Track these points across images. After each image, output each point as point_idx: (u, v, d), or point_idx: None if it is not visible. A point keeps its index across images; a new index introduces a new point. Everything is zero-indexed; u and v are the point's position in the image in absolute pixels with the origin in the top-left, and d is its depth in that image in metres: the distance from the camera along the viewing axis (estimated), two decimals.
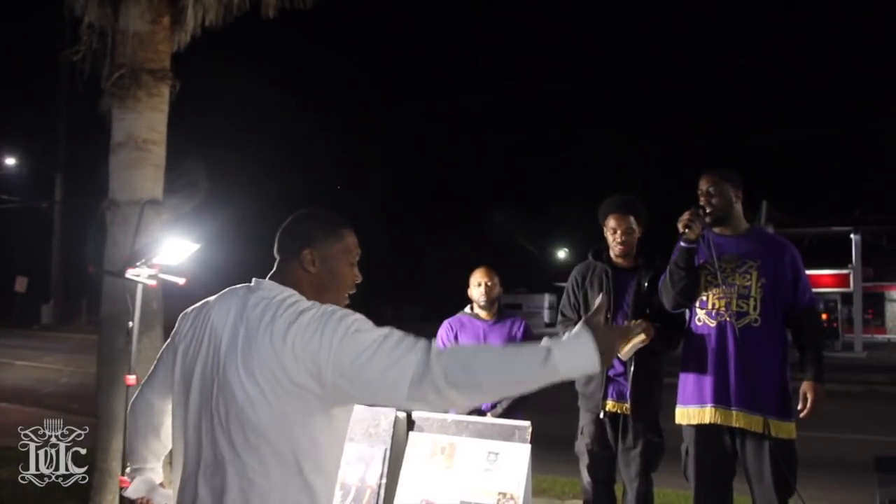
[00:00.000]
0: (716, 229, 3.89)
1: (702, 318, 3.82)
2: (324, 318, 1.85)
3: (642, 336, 3.93)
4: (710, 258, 3.81)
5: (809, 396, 3.64)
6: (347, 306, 2.00)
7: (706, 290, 3.82)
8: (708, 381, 3.71)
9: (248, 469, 1.83)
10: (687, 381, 3.83)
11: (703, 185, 3.86)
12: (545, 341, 1.85)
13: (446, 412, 3.18)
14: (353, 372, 1.79)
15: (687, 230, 3.72)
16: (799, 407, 3.66)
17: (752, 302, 3.72)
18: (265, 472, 1.84)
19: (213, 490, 1.86)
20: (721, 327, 3.73)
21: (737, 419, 3.63)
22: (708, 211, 3.81)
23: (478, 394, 1.85)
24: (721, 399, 3.67)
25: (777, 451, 3.57)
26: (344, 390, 1.83)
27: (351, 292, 2.15)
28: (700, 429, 3.73)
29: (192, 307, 2.10)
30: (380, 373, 1.79)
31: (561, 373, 1.81)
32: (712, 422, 3.67)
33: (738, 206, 3.89)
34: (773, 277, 3.74)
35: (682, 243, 3.76)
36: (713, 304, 3.78)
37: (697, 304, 3.84)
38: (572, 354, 1.82)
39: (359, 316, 1.90)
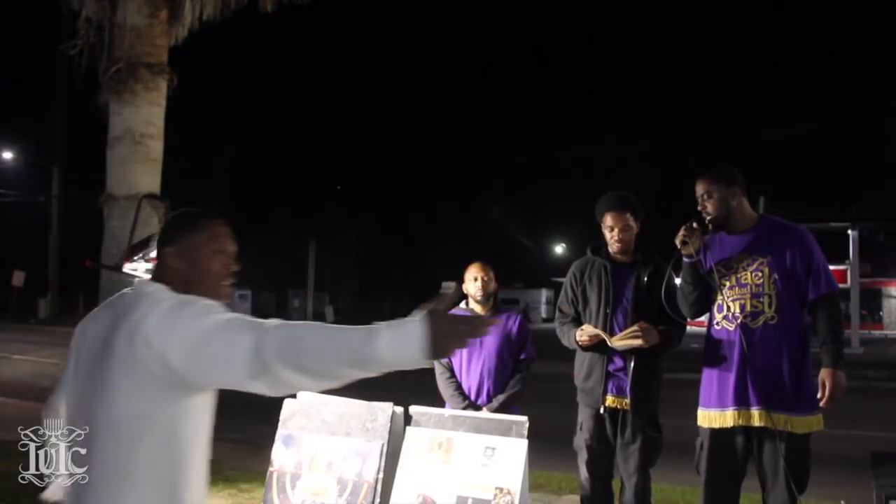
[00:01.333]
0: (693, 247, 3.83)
1: (720, 322, 3.78)
2: (174, 307, 1.84)
3: (639, 342, 3.95)
4: (726, 259, 3.77)
5: (827, 384, 3.57)
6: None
7: (721, 294, 3.77)
8: (729, 384, 3.68)
9: (107, 473, 1.80)
10: (709, 384, 3.79)
11: (697, 190, 3.84)
12: (382, 324, 1.73)
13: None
14: (195, 354, 1.77)
15: (684, 247, 3.72)
16: (819, 395, 3.59)
17: (766, 300, 3.67)
18: (126, 475, 1.80)
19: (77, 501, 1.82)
20: (739, 329, 3.68)
21: (757, 418, 3.60)
22: (707, 218, 3.79)
23: (307, 377, 1.74)
24: (742, 401, 3.63)
25: (793, 448, 3.57)
26: (190, 375, 1.79)
27: (226, 282, 2.12)
28: (719, 428, 3.72)
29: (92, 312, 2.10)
30: (218, 354, 1.75)
31: (383, 359, 1.69)
32: (734, 425, 3.64)
33: (738, 202, 3.82)
34: (785, 270, 3.68)
35: (684, 259, 3.75)
36: (728, 307, 3.73)
37: (715, 309, 3.81)
38: (398, 341, 1.68)
39: (208, 302, 1.88)
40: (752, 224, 3.85)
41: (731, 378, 3.67)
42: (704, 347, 3.88)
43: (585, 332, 4.11)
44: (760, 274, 3.70)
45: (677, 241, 3.74)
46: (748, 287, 3.71)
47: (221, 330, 1.76)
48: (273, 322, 1.77)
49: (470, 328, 1.75)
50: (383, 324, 1.71)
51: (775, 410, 3.58)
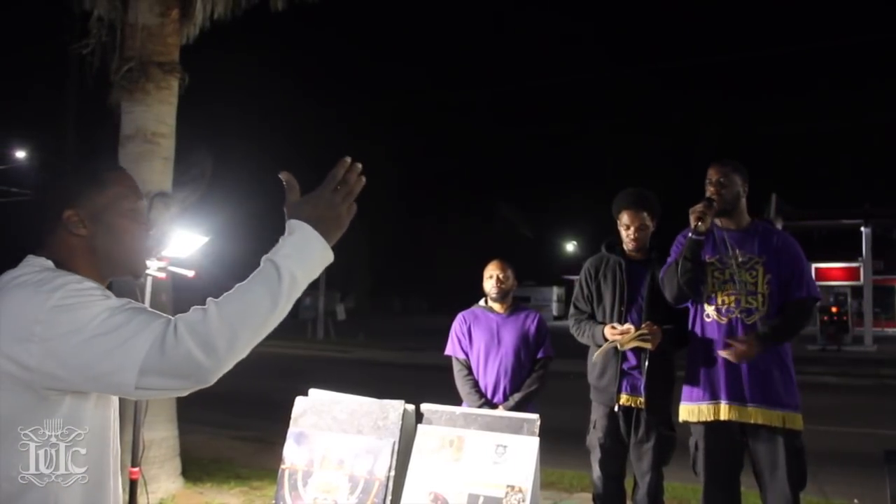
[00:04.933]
0: (718, 222, 3.87)
1: (711, 314, 3.79)
2: (33, 287, 1.52)
3: (649, 345, 3.94)
4: (724, 254, 3.79)
5: (740, 346, 3.58)
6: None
7: (714, 287, 3.79)
8: (721, 377, 3.69)
9: None
10: (696, 378, 3.79)
11: (713, 175, 3.83)
12: (266, 258, 1.57)
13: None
14: (63, 353, 1.46)
15: (700, 223, 3.69)
16: (726, 347, 3.61)
17: (760, 298, 3.72)
18: None
19: None
20: (731, 324, 3.72)
21: (753, 415, 3.62)
22: (715, 200, 3.78)
23: (231, 361, 1.52)
24: (735, 396, 3.65)
25: (791, 443, 3.59)
26: (55, 375, 1.48)
27: (146, 243, 1.78)
28: (710, 423, 3.71)
29: None
30: (98, 357, 1.45)
31: (300, 280, 1.56)
32: (728, 419, 3.65)
33: (744, 200, 3.88)
34: (778, 273, 3.74)
35: (691, 235, 3.73)
36: (722, 301, 3.76)
37: (706, 301, 3.81)
38: (301, 255, 1.56)
39: (85, 286, 1.55)
40: (746, 225, 3.89)
41: (722, 371, 3.69)
42: (691, 341, 3.89)
43: (618, 330, 4.04)
44: (755, 273, 3.75)
45: (692, 217, 3.71)
46: (744, 284, 3.74)
47: (107, 326, 1.47)
48: (166, 320, 1.50)
49: (335, 191, 1.64)
50: (273, 255, 1.56)
51: (772, 408, 3.61)
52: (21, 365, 1.47)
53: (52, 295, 1.49)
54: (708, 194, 3.81)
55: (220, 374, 1.51)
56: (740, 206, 3.86)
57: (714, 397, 3.71)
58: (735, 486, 3.77)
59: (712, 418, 3.70)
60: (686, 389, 3.85)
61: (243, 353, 1.52)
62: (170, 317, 1.51)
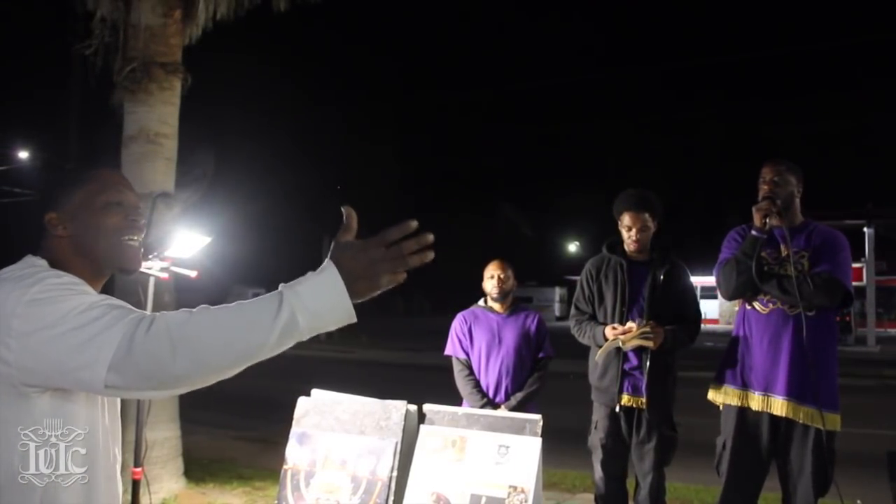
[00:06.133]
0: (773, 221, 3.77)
1: (755, 305, 3.75)
2: (14, 282, 1.55)
3: (650, 343, 3.93)
4: (774, 248, 3.73)
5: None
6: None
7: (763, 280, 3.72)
8: (757, 367, 3.66)
9: None
10: (733, 362, 3.77)
11: (767, 174, 3.75)
12: (282, 286, 1.47)
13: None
14: (38, 347, 1.47)
15: (766, 221, 3.64)
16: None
17: None
18: None
19: None
20: (776, 314, 3.66)
21: (788, 410, 3.57)
22: (777, 198, 3.70)
23: (201, 375, 1.44)
24: (771, 387, 3.62)
25: (821, 444, 3.53)
26: (31, 369, 1.49)
27: (129, 236, 1.76)
28: (742, 423, 3.69)
29: None
30: (70, 351, 1.44)
31: (301, 326, 1.43)
32: (760, 409, 3.62)
33: (798, 200, 3.80)
34: (820, 264, 3.67)
35: (754, 233, 3.66)
36: (766, 294, 3.70)
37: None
38: (313, 298, 1.43)
39: (64, 280, 1.58)
40: (798, 223, 3.81)
41: (762, 361, 3.65)
42: (736, 325, 3.85)
43: (619, 330, 4.05)
44: (801, 266, 3.68)
45: (759, 216, 3.64)
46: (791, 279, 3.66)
47: (80, 320, 1.46)
48: (138, 315, 1.47)
49: (385, 250, 1.49)
50: (285, 287, 1.46)
51: (809, 404, 3.55)
52: (2, 360, 1.49)
53: (30, 290, 1.52)
54: (762, 193, 3.74)
55: (184, 384, 1.44)
56: (794, 206, 3.79)
57: (747, 386, 3.69)
58: (756, 491, 3.74)
59: (740, 403, 3.69)
60: (723, 371, 3.82)
61: (212, 373, 1.44)
62: (146, 312, 1.48)
